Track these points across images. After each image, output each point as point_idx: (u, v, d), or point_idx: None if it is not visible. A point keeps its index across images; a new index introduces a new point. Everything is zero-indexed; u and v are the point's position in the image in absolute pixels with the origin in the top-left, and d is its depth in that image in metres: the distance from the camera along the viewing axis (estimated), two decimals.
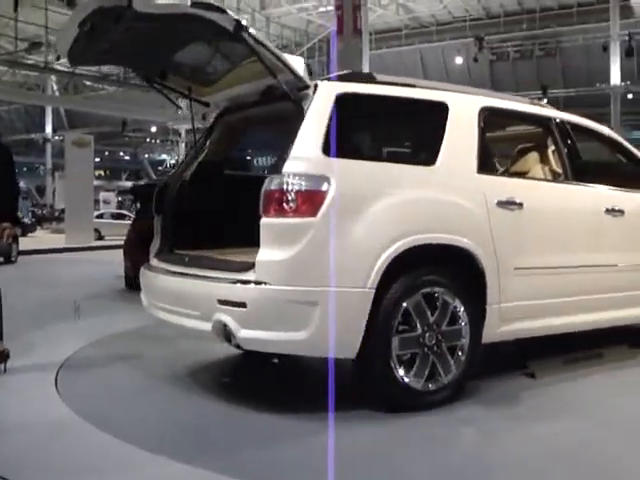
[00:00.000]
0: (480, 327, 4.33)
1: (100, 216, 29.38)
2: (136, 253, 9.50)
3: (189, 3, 3.71)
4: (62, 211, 30.50)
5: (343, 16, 19.09)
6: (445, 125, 4.46)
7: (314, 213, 3.77)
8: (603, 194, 5.30)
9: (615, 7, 29.60)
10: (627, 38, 29.26)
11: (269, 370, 5.25)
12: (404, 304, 4.00)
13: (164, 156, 54.85)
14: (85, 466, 3.35)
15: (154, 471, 3.29)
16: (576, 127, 5.45)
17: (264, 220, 3.86)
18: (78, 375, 5.08)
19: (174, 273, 4.50)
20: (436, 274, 4.16)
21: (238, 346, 4.07)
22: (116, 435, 3.68)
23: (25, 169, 52.16)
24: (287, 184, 3.80)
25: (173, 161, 49.77)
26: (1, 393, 4.68)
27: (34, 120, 46.83)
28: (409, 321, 4.04)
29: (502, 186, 4.65)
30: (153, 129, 44.81)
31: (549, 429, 3.82)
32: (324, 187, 3.81)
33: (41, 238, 27.00)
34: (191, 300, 4.22)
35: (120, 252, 10.93)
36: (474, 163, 4.49)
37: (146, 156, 55.45)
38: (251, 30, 3.81)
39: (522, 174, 5.29)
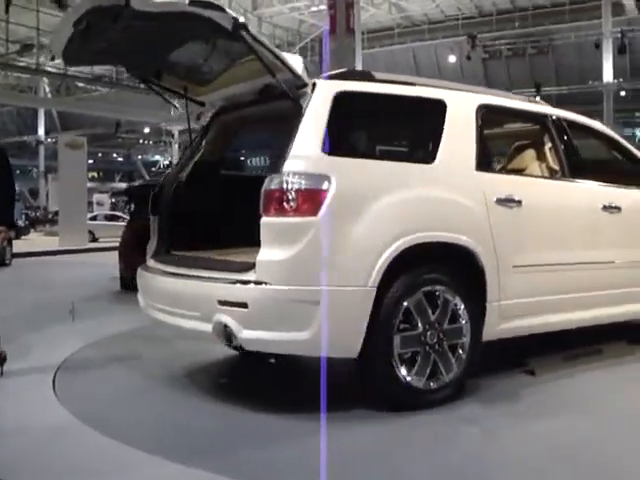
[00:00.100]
0: (480, 325, 4.32)
1: (94, 218, 29.35)
2: (131, 254, 9.50)
3: (187, 1, 3.67)
4: (56, 213, 30.39)
5: (336, 15, 19.06)
6: (443, 123, 4.45)
7: (315, 212, 3.75)
8: (600, 191, 5.30)
9: (607, 4, 29.71)
10: (619, 35, 29.38)
11: (266, 370, 5.23)
12: (405, 303, 3.98)
13: (157, 157, 54.83)
14: (83, 469, 3.33)
15: (152, 472, 3.27)
16: (572, 124, 5.45)
17: (264, 220, 3.84)
18: (75, 377, 5.05)
19: (172, 274, 4.47)
20: (437, 272, 4.15)
21: (236, 347, 4.05)
22: (114, 437, 3.66)
23: (18, 172, 51.95)
24: (287, 183, 3.77)
25: (166, 162, 49.74)
26: None
27: (26, 122, 46.71)
28: (410, 320, 4.03)
29: (501, 184, 4.64)
30: (146, 130, 44.75)
31: (549, 427, 3.81)
32: (324, 186, 3.79)
33: (35, 241, 26.92)
34: (190, 301, 4.19)
35: (114, 254, 10.89)
36: (473, 161, 4.48)
37: (139, 157, 55.40)
38: (250, 28, 3.79)
39: (519, 171, 5.29)
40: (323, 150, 3.88)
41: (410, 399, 4.05)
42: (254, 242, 4.04)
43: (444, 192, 4.26)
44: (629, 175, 5.67)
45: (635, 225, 5.43)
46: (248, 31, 3.79)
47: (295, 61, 4.06)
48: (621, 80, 30.63)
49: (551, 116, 5.32)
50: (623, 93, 31.58)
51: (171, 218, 4.93)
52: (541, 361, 5.03)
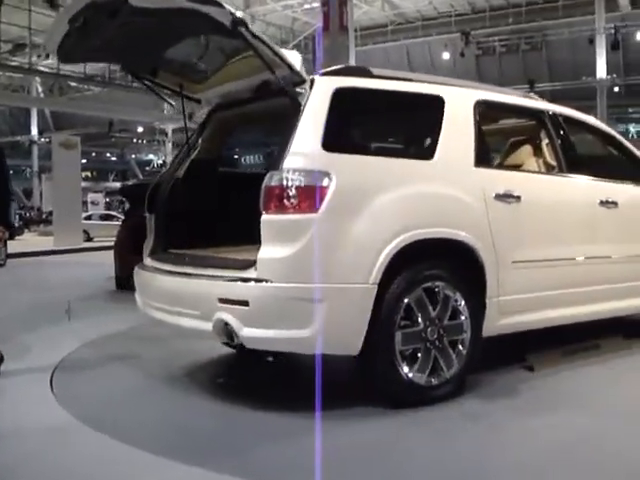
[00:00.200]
0: (480, 321, 4.32)
1: (88, 217, 29.27)
2: (127, 254, 9.46)
3: None
4: (50, 213, 30.33)
5: (329, 12, 19.06)
6: (442, 119, 4.44)
7: (315, 209, 3.73)
8: (597, 186, 5.31)
9: (600, 0, 29.72)
10: (613, 31, 29.43)
11: (264, 369, 5.22)
12: (406, 299, 3.97)
13: (151, 156, 54.71)
14: (88, 472, 3.28)
15: (159, 476, 3.24)
16: (568, 120, 5.45)
17: (265, 217, 3.81)
18: (73, 377, 5.03)
19: (170, 272, 4.45)
20: (437, 268, 4.14)
21: (235, 346, 4.03)
22: (115, 437, 3.64)
23: (11, 172, 51.72)
24: (287, 180, 3.75)
25: (160, 161, 49.65)
26: None
27: (19, 122, 46.56)
28: (411, 316, 4.02)
29: (500, 179, 4.63)
30: (140, 129, 44.66)
31: (549, 422, 3.80)
32: (325, 182, 3.77)
33: (29, 241, 26.82)
34: (190, 299, 4.16)
35: (109, 253, 10.87)
36: (471, 156, 4.47)
37: (133, 156, 55.27)
38: (248, 24, 3.76)
39: (516, 167, 5.29)
40: (323, 147, 3.86)
41: (412, 396, 4.04)
42: (251, 240, 4.02)
43: (444, 188, 4.25)
44: (624, 170, 5.69)
45: (632, 220, 5.45)
46: (247, 27, 3.76)
47: (293, 57, 4.04)
48: (614, 76, 30.68)
49: (548, 112, 5.32)
50: (616, 89, 31.65)
51: (168, 216, 4.91)
52: (540, 356, 5.03)
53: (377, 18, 37.08)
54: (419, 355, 4.03)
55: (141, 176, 49.08)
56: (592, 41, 30.17)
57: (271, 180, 3.80)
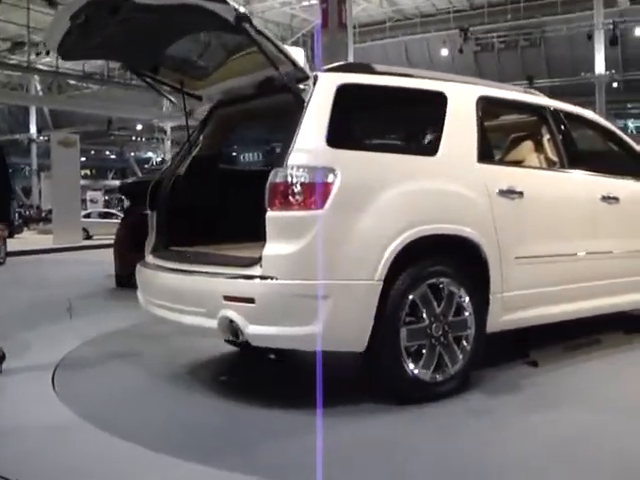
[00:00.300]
0: (484, 317, 4.31)
1: (88, 215, 29.25)
2: (126, 252, 9.47)
3: None
4: (49, 212, 30.31)
5: (328, 9, 18.99)
6: (445, 115, 4.42)
7: (321, 205, 3.72)
8: (598, 182, 5.31)
9: None
10: (611, 27, 29.40)
11: (267, 366, 5.20)
12: (411, 296, 3.97)
13: (150, 154, 54.65)
14: (91, 470, 3.26)
15: (166, 473, 3.22)
16: (569, 115, 5.45)
17: (270, 214, 3.80)
18: (75, 375, 5.02)
19: (173, 270, 4.43)
20: (441, 265, 4.13)
21: (240, 344, 4.01)
22: (119, 435, 3.62)
23: (10, 170, 51.76)
24: (292, 177, 3.74)
25: (159, 159, 49.61)
26: None
27: (18, 120, 46.51)
28: (416, 312, 4.01)
29: (502, 175, 4.63)
30: (139, 127, 44.63)
31: (552, 418, 3.81)
32: (330, 179, 3.76)
33: (28, 239, 26.81)
34: (194, 297, 4.14)
35: (109, 251, 10.86)
36: (474, 153, 4.47)
37: (132, 154, 55.25)
38: (252, 20, 3.73)
39: (517, 163, 5.28)
40: (328, 143, 3.84)
41: (417, 392, 4.03)
42: (253, 237, 4.01)
43: (448, 184, 4.24)
44: (625, 166, 5.70)
45: (633, 215, 5.46)
46: (251, 23, 3.74)
47: (297, 54, 4.02)
48: (613, 72, 30.68)
49: (549, 107, 5.31)
50: (615, 85, 31.65)
51: (169, 213, 4.89)
52: (542, 352, 5.04)
53: (375, 15, 37.06)
54: (424, 351, 4.03)
55: (140, 174, 49.06)
56: (591, 37, 30.13)
57: (276, 177, 3.78)
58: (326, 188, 3.74)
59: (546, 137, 5.37)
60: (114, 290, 10.09)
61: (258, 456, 3.36)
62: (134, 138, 48.16)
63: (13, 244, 18.61)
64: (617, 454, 3.32)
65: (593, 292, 5.10)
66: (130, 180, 28.12)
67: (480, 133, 4.55)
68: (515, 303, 4.51)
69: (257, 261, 3.81)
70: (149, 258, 4.84)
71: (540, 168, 5.23)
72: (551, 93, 6.11)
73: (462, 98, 4.61)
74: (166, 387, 4.68)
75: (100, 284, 10.79)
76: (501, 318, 4.45)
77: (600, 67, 30.26)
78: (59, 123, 43.45)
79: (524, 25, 33.30)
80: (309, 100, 3.95)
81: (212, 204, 5.02)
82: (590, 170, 5.27)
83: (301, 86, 4.04)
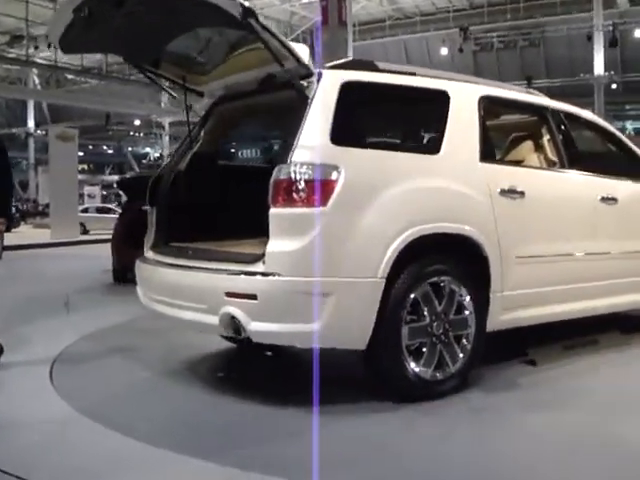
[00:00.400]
0: (484, 316, 4.32)
1: (85, 210, 29.21)
2: (124, 247, 9.47)
3: None
4: (46, 206, 30.27)
5: (328, 7, 18.97)
6: (447, 114, 4.42)
7: (324, 203, 3.71)
8: (598, 182, 5.31)
9: None
10: (611, 28, 29.44)
11: (264, 362, 5.21)
12: (412, 294, 3.97)
13: (148, 149, 54.60)
14: (92, 465, 3.25)
15: (170, 469, 3.21)
16: (569, 116, 5.46)
17: (273, 210, 3.79)
18: (73, 370, 5.01)
19: (174, 265, 4.42)
20: (443, 263, 4.14)
21: (242, 340, 4.00)
22: (118, 430, 3.62)
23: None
24: (296, 173, 3.73)
25: (157, 154, 49.58)
26: None
27: (16, 114, 46.43)
28: (417, 311, 4.02)
29: (504, 175, 4.63)
30: (137, 122, 44.59)
31: (550, 418, 3.83)
32: (334, 176, 3.75)
33: (25, 233, 26.75)
34: (195, 293, 4.13)
35: (106, 246, 10.84)
36: (476, 152, 4.47)
37: (130, 149, 55.18)
38: (258, 16, 3.72)
39: (518, 163, 5.28)
40: (332, 140, 3.83)
41: (418, 390, 4.04)
42: (253, 233, 3.99)
43: (450, 183, 4.24)
44: (623, 167, 5.72)
45: (631, 216, 5.48)
46: (257, 18, 3.73)
47: (301, 50, 4.01)
48: (612, 73, 30.74)
49: (549, 108, 5.32)
50: (614, 86, 31.71)
51: (169, 209, 4.87)
52: (540, 351, 5.06)
53: (375, 13, 37.07)
54: (425, 350, 4.04)
55: (138, 169, 49.05)
56: (590, 38, 30.19)
57: (279, 173, 3.77)
58: (330, 185, 3.73)
59: (546, 137, 5.38)
60: (111, 285, 10.09)
61: (259, 452, 3.35)
62: (132, 133, 48.09)
63: (10, 238, 18.53)
64: (614, 451, 3.34)
65: (592, 292, 5.12)
66: (129, 175, 28.10)
67: (482, 132, 4.55)
68: (515, 302, 4.52)
69: (260, 258, 3.80)
70: (149, 254, 4.83)
71: (541, 168, 5.23)
72: (550, 94, 6.11)
73: (464, 97, 4.61)
74: (165, 382, 4.68)
75: (97, 279, 10.79)
76: (501, 317, 4.45)
77: (599, 68, 30.32)
78: (57, 117, 43.40)
79: (523, 25, 33.35)
80: (313, 97, 3.93)
81: (212, 200, 5.00)
82: (590, 171, 5.27)
83: (304, 83, 4.03)
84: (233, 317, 3.81)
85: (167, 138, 43.39)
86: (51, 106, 43.48)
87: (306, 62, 3.97)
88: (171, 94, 5.70)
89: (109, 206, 32.57)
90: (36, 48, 32.93)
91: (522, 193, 4.56)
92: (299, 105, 3.95)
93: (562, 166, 5.15)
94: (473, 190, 4.32)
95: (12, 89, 38.43)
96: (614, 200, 5.27)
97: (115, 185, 28.30)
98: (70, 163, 22.89)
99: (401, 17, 37.65)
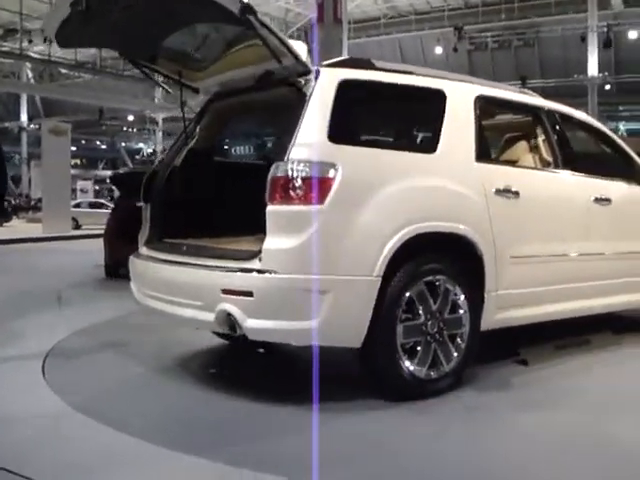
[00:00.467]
0: (479, 315, 4.33)
1: (77, 205, 29.12)
2: (116, 242, 9.47)
3: None
4: (38, 200, 30.16)
5: (323, 4, 18.95)
6: (443, 113, 4.43)
7: (322, 200, 3.71)
8: (592, 183, 5.33)
9: None
10: (605, 29, 29.53)
11: (256, 359, 5.20)
12: (408, 293, 3.97)
13: (141, 145, 54.47)
14: (85, 461, 3.23)
15: (164, 465, 3.20)
16: (564, 117, 5.48)
17: (270, 208, 3.78)
18: (65, 364, 5.00)
19: (169, 262, 4.40)
20: (438, 262, 4.14)
21: (236, 338, 3.99)
22: (107, 424, 3.61)
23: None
24: (293, 171, 3.73)
25: (150, 150, 49.47)
26: None
27: (8, 108, 46.24)
28: (412, 309, 4.02)
29: (499, 174, 4.64)
30: (130, 118, 44.46)
31: (542, 418, 3.84)
32: (331, 174, 3.75)
33: (17, 227, 26.68)
34: (190, 290, 4.11)
35: (98, 241, 10.83)
36: (472, 151, 4.47)
37: (123, 145, 55.03)
38: (257, 12, 3.71)
39: (512, 163, 5.29)
40: (329, 138, 3.83)
41: (412, 389, 4.04)
42: (248, 230, 3.98)
43: (446, 182, 4.25)
44: (617, 168, 5.74)
45: (625, 217, 5.51)
46: (255, 15, 3.72)
47: (299, 48, 4.00)
48: (606, 74, 30.83)
49: (544, 108, 5.33)
50: (608, 87, 31.80)
51: (164, 205, 4.86)
52: (532, 351, 5.09)
53: (370, 11, 37.07)
54: (419, 348, 4.04)
55: (131, 164, 48.92)
56: (584, 39, 30.28)
57: (277, 171, 3.77)
58: (327, 183, 3.73)
59: (541, 138, 5.38)
60: (103, 280, 10.07)
61: (252, 449, 3.35)
62: (125, 128, 48.00)
63: (2, 232, 18.54)
64: (606, 451, 3.36)
65: (585, 292, 5.14)
66: (122, 171, 28.02)
67: (478, 132, 4.55)
68: (509, 302, 4.53)
69: (256, 255, 3.79)
70: (143, 250, 4.81)
71: (535, 168, 5.24)
72: (544, 94, 6.13)
73: (461, 96, 4.62)
74: (158, 378, 4.67)
75: (89, 274, 10.76)
76: (495, 316, 4.46)
77: (593, 69, 30.41)
78: (50, 112, 43.23)
79: (518, 25, 33.42)
80: (311, 94, 3.93)
81: (207, 197, 4.99)
82: (584, 172, 5.28)
83: (302, 80, 4.02)
84: (229, 314, 3.80)
85: (160, 134, 43.27)
86: (44, 100, 43.32)
87: (304, 60, 3.96)
88: (166, 89, 5.68)
89: (101, 201, 32.50)
90: (30, 42, 32.81)
91: (517, 193, 4.57)
92: (296, 102, 3.94)
93: (556, 166, 5.17)
94: (469, 189, 4.33)
95: (5, 83, 38.27)
96: (608, 201, 5.29)
97: (108, 180, 28.24)
98: (63, 158, 22.79)
99: (395, 15, 37.66)
